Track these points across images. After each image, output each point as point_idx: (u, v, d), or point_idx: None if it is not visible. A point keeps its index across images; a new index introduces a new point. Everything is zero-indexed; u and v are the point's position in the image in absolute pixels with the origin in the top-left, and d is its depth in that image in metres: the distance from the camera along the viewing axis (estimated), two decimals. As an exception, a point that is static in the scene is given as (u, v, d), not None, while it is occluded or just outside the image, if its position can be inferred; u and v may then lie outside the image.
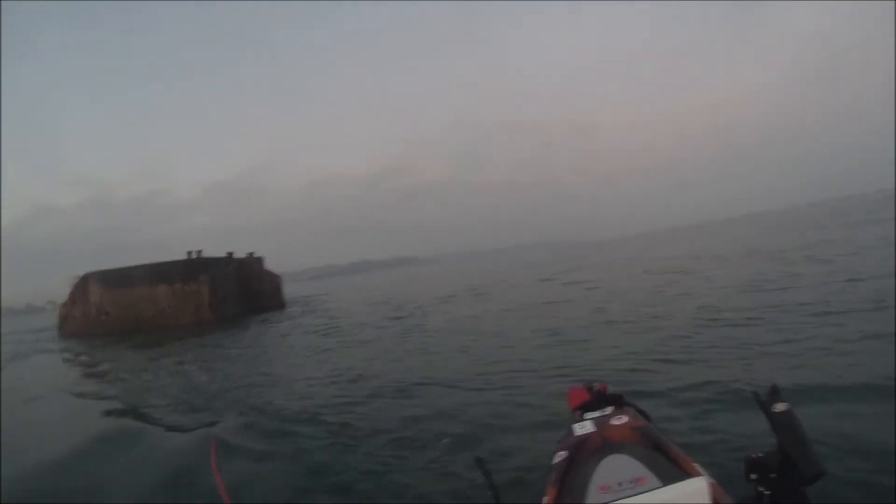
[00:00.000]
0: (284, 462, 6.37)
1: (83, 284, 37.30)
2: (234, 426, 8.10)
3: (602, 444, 1.89)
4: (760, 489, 1.34)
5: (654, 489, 1.31)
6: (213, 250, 37.84)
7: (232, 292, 36.80)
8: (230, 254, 39.85)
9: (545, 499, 1.72)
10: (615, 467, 1.62)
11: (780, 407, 1.39)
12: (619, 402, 2.37)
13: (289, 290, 48.26)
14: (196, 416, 9.31)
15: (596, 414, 2.24)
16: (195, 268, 35.76)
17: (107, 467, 7.13)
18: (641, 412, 2.30)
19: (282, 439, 7.12)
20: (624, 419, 2.06)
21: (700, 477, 1.29)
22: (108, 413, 10.64)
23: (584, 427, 2.06)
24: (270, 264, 44.70)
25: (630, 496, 1.26)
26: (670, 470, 1.56)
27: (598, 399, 2.40)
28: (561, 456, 1.91)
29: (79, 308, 36.90)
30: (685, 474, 1.51)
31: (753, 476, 1.36)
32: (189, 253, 36.51)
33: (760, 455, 1.37)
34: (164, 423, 9.09)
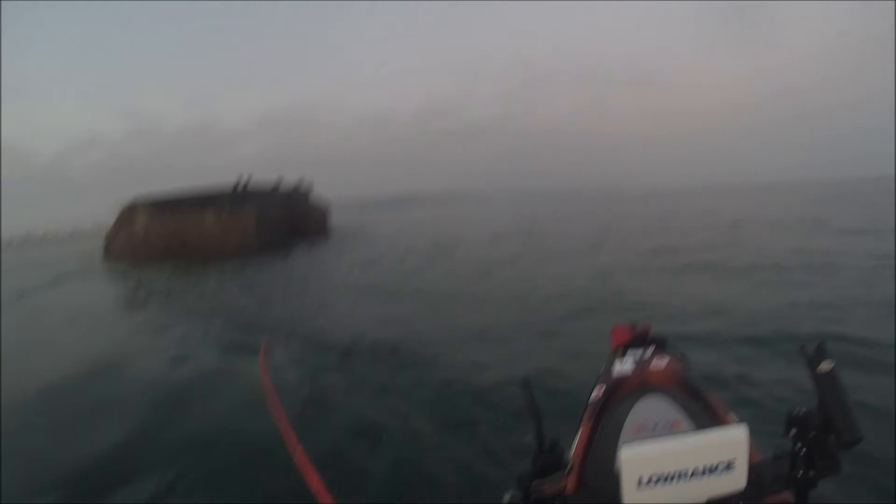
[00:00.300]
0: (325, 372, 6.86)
1: (130, 210, 37.25)
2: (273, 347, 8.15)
3: (640, 385, 1.80)
4: (797, 445, 1.27)
5: (696, 431, 1.26)
6: (264, 177, 37.39)
7: (278, 220, 36.27)
8: (278, 182, 39.44)
9: (578, 433, 1.66)
10: (651, 409, 1.57)
11: (825, 366, 1.30)
12: (661, 345, 2.16)
13: (336, 219, 48.25)
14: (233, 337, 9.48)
15: (637, 354, 2.05)
16: (242, 196, 35.37)
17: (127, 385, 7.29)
18: (682, 357, 2.07)
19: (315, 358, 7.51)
20: (664, 362, 1.93)
21: (742, 424, 1.20)
22: (138, 331, 11.08)
23: (624, 366, 1.95)
24: (320, 192, 44.04)
25: (669, 436, 1.19)
26: (706, 417, 1.54)
27: (640, 339, 2.22)
28: (598, 393, 1.82)
29: (125, 232, 36.82)
30: (720, 423, 1.49)
31: (793, 431, 1.29)
32: (237, 182, 36.20)
33: (803, 411, 1.28)
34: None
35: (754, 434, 1.32)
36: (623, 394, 1.79)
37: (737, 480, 1.16)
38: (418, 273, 15.73)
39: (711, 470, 1.15)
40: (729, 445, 1.16)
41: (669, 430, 1.43)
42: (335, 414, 5.56)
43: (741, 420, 1.45)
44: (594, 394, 1.86)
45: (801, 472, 1.26)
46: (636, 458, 1.16)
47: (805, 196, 51.23)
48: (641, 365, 1.97)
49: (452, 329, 8.92)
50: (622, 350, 2.24)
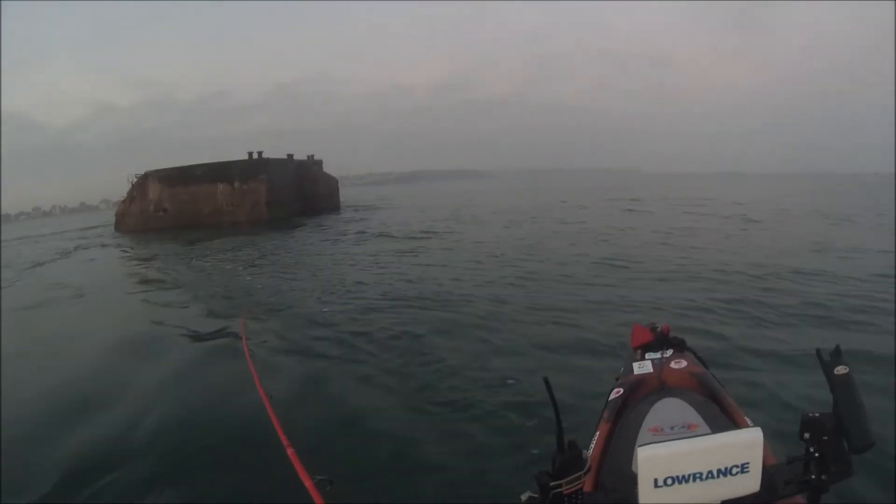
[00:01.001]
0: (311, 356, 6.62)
1: (143, 182, 37.20)
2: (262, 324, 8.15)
3: (659, 387, 1.96)
4: (811, 449, 1.27)
5: (713, 433, 1.29)
6: (274, 152, 37.28)
7: (289, 193, 36.24)
8: (290, 156, 39.32)
9: (597, 433, 1.74)
10: (669, 410, 1.65)
11: (840, 370, 1.30)
12: (680, 347, 2.30)
13: (347, 193, 48.22)
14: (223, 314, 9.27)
15: (656, 355, 2.23)
16: (254, 168, 35.21)
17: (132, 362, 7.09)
18: (700, 359, 2.27)
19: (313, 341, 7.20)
20: (683, 364, 2.09)
21: (756, 428, 1.22)
22: (148, 306, 10.92)
23: (643, 367, 2.10)
24: (330, 168, 43.64)
25: (686, 437, 1.21)
26: (722, 420, 1.60)
27: (660, 341, 2.33)
28: (617, 393, 1.95)
29: (137, 205, 36.87)
30: (736, 426, 1.57)
31: (806, 435, 1.27)
32: (250, 154, 35.98)
33: (816, 415, 1.27)
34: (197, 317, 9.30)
35: (770, 438, 1.34)
36: (641, 395, 1.89)
37: (751, 483, 1.18)
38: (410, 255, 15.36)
39: (726, 472, 1.17)
40: (744, 448, 1.18)
41: (686, 433, 1.45)
42: (323, 400, 5.37)
43: (757, 423, 1.49)
44: (613, 394, 1.96)
45: (813, 475, 1.26)
46: (653, 458, 1.18)
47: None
48: (660, 366, 2.08)
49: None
50: (641, 351, 2.34)
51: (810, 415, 1.28)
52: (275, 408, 2.83)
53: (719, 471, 1.17)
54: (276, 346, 6.99)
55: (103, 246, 27.58)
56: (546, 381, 1.54)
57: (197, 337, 7.90)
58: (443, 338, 6.91)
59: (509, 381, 5.26)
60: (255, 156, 35.92)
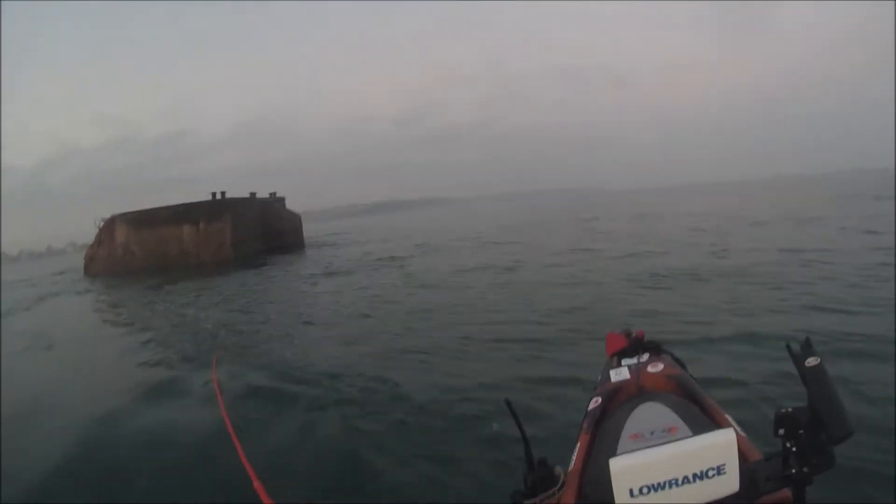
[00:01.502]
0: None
1: (110, 226, 38.12)
2: (229, 371, 8.01)
3: (637, 392, 1.92)
4: (787, 444, 1.29)
5: (685, 438, 1.28)
6: (239, 189, 38.31)
7: (253, 232, 37.27)
8: (253, 194, 40.40)
9: (577, 446, 1.72)
10: (648, 415, 1.64)
11: (811, 361, 1.33)
12: (656, 350, 2.33)
13: (313, 228, 48.70)
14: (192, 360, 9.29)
15: (633, 361, 2.23)
16: (218, 208, 36.25)
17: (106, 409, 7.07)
18: (678, 361, 2.26)
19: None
20: (660, 367, 2.06)
21: (728, 428, 1.26)
22: (135, 360, 10.55)
23: (620, 374, 2.08)
24: (294, 204, 44.97)
25: (660, 444, 1.24)
26: (702, 420, 1.59)
27: (635, 346, 2.38)
28: (596, 402, 1.92)
29: (105, 248, 37.77)
30: (717, 426, 1.52)
31: (781, 431, 1.30)
32: (213, 194, 37.08)
33: (789, 410, 1.30)
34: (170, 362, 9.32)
35: (750, 434, 1.45)
36: (620, 402, 1.87)
37: (730, 483, 1.19)
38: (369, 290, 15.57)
39: (703, 475, 1.18)
40: (718, 449, 1.19)
41: (666, 436, 1.44)
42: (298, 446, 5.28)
43: (738, 420, 1.59)
44: (592, 404, 1.92)
45: (794, 469, 1.26)
46: (625, 469, 1.20)
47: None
48: (637, 372, 2.06)
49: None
50: (617, 358, 2.34)
51: (783, 410, 1.30)
52: (251, 459, 2.75)
53: (695, 475, 1.19)
54: (243, 392, 6.87)
55: (74, 293, 28.11)
56: (508, 403, 1.65)
57: (167, 386, 7.81)
58: (411, 372, 6.97)
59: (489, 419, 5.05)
60: (219, 196, 37.06)
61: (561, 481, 1.48)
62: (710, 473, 1.18)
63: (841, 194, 39.33)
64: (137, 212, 37.88)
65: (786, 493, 1.29)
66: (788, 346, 1.37)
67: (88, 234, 39.36)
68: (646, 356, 2.25)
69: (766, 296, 9.15)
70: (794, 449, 1.26)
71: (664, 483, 1.18)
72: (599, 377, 2.22)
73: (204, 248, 34.98)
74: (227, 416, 3.19)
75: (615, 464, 1.19)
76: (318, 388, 6.69)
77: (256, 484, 1.83)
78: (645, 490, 1.18)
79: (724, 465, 1.18)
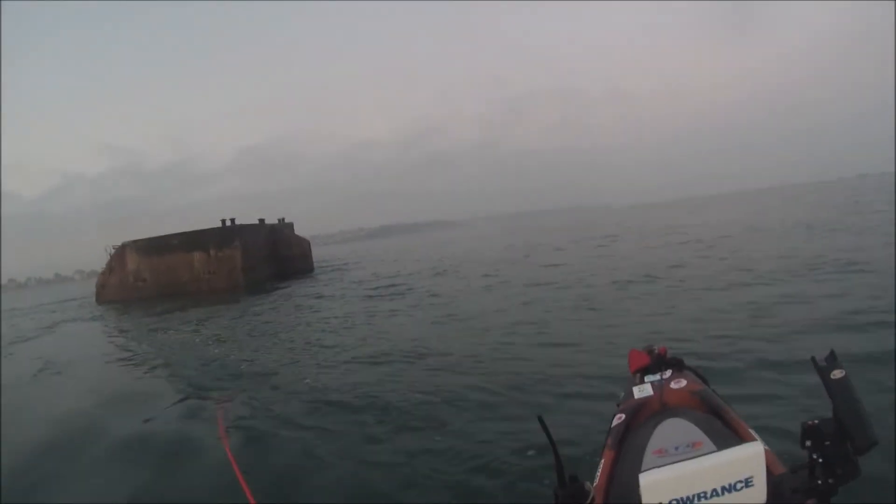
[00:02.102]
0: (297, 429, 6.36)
1: (121, 253, 38.58)
2: (241, 401, 7.98)
3: (660, 408, 1.93)
4: (814, 456, 1.29)
5: (709, 453, 1.30)
6: (245, 215, 38.99)
7: (263, 257, 37.75)
8: (262, 220, 40.94)
9: (602, 462, 1.74)
10: (672, 431, 1.63)
11: (836, 374, 1.33)
12: (678, 366, 2.34)
13: (320, 253, 48.96)
14: (207, 387, 9.34)
15: (655, 377, 2.24)
16: (228, 235, 36.67)
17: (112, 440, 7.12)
18: (700, 376, 2.28)
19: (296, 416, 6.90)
20: (683, 383, 2.07)
21: (755, 441, 1.30)
22: (135, 379, 11.05)
23: (643, 390, 2.08)
24: (302, 228, 45.56)
25: (685, 459, 1.25)
26: (727, 435, 1.59)
27: (657, 362, 2.38)
28: (619, 419, 1.93)
29: (116, 276, 38.21)
30: (741, 440, 1.53)
31: (808, 443, 1.31)
32: (223, 221, 37.53)
33: (815, 422, 1.31)
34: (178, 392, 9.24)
35: (775, 447, 1.43)
36: (644, 418, 1.87)
37: (757, 496, 1.20)
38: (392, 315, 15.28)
39: (731, 488, 1.19)
40: (746, 462, 1.20)
41: (691, 452, 1.44)
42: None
43: (763, 434, 1.59)
44: (615, 420, 1.93)
45: (820, 480, 1.27)
46: (655, 483, 1.21)
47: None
48: (660, 388, 2.06)
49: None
50: (640, 375, 2.35)
51: (809, 423, 1.31)
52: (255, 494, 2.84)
53: (723, 488, 1.19)
54: (251, 424, 6.78)
55: (89, 320, 28.38)
56: (541, 420, 1.64)
57: (175, 419, 7.68)
58: (431, 401, 6.73)
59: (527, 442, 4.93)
60: (229, 223, 37.43)
61: (591, 496, 1.50)
62: (738, 486, 1.20)
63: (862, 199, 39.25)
64: (148, 239, 38.41)
65: (810, 503, 1.30)
66: (814, 359, 1.38)
67: (95, 261, 40.09)
68: (668, 372, 2.27)
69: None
70: (820, 460, 1.28)
71: (693, 496, 1.20)
72: (622, 394, 2.24)
73: (215, 274, 35.39)
74: (237, 469, 3.26)
75: (645, 478, 1.21)
76: (333, 422, 6.47)
77: None
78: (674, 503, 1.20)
79: (751, 477, 1.20)
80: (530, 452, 4.70)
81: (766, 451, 1.44)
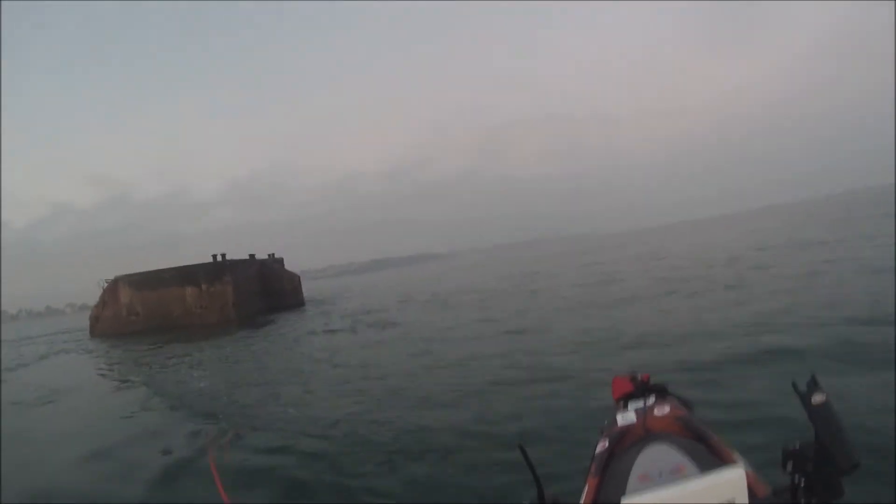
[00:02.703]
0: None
1: (113, 287, 39.40)
2: (232, 436, 8.04)
3: (644, 434, 1.93)
4: (795, 479, 1.34)
5: (692, 477, 1.31)
6: (235, 247, 39.95)
7: (254, 292, 38.73)
8: (252, 255, 42.17)
9: (585, 488, 1.73)
10: (656, 457, 1.63)
11: (818, 398, 1.36)
12: (662, 392, 2.35)
13: (311, 286, 49.42)
14: (197, 420, 9.46)
15: (639, 404, 2.25)
16: (220, 270, 37.61)
17: (107, 466, 7.58)
18: (684, 402, 2.28)
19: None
20: (666, 409, 2.07)
21: (737, 465, 1.28)
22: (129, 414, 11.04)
23: (626, 417, 2.09)
24: (292, 263, 46.80)
25: (668, 485, 1.25)
26: (711, 460, 1.59)
27: (641, 389, 2.39)
28: (603, 445, 1.93)
29: (109, 309, 38.93)
30: (725, 464, 1.52)
31: (789, 466, 1.35)
32: (214, 256, 38.60)
33: (797, 447, 1.36)
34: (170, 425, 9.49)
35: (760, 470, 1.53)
36: (627, 444, 1.87)
37: None
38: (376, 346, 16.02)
39: None
40: (727, 486, 1.21)
41: (675, 477, 1.45)
42: None
43: (747, 458, 1.66)
44: (599, 447, 1.92)
45: (803, 501, 1.30)
46: None
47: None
48: (644, 414, 2.05)
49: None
50: (624, 401, 2.34)
51: (790, 447, 1.34)
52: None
53: None
54: (244, 463, 6.77)
55: (84, 352, 29.00)
56: (521, 448, 1.73)
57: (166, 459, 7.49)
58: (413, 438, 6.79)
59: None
60: (220, 258, 38.50)
61: None
62: None
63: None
64: (141, 273, 39.24)
65: None
66: (794, 385, 1.39)
67: (86, 294, 40.84)
68: (652, 399, 2.28)
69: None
70: (802, 482, 1.30)
71: None
72: (606, 421, 2.22)
73: (208, 308, 36.19)
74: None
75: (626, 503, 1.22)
76: (318, 461, 6.51)
77: None
78: None
79: (733, 501, 1.20)
80: (505, 477, 4.89)
81: (749, 473, 1.46)
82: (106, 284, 40.03)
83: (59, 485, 7.18)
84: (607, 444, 1.91)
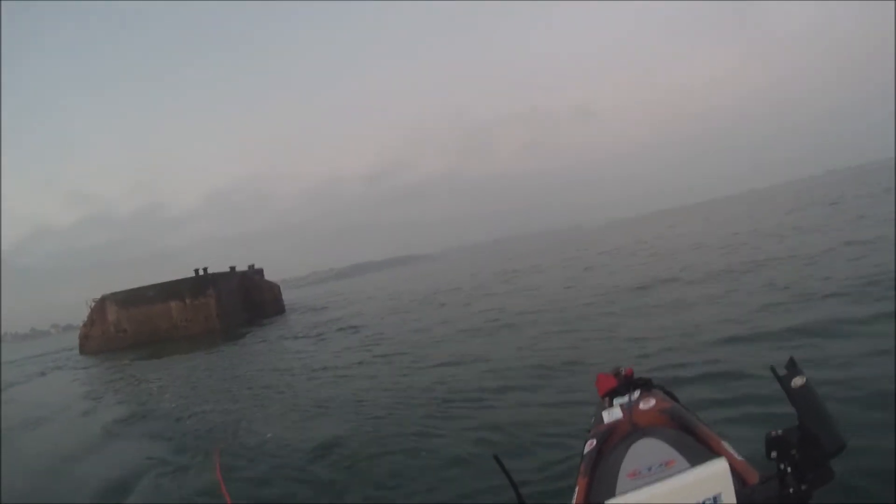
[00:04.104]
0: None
1: (101, 306, 41.06)
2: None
3: (631, 430, 1.94)
4: (782, 466, 1.30)
5: (680, 472, 1.28)
6: (216, 260, 41.58)
7: (236, 303, 40.58)
8: (233, 268, 43.93)
9: (576, 490, 1.72)
10: (645, 452, 1.64)
11: (798, 381, 1.32)
12: (646, 386, 2.37)
13: (292, 295, 50.16)
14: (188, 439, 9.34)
15: (624, 399, 2.25)
16: (202, 283, 39.38)
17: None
18: (669, 394, 2.30)
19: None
20: (652, 402, 2.07)
21: (721, 458, 1.27)
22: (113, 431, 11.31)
23: (612, 413, 2.08)
24: (272, 272, 48.68)
25: (658, 481, 1.24)
26: (699, 450, 1.61)
27: (625, 384, 2.40)
28: (591, 444, 1.93)
29: (98, 327, 40.56)
30: (714, 454, 1.54)
31: (774, 454, 1.31)
32: (196, 270, 40.33)
33: (779, 433, 1.31)
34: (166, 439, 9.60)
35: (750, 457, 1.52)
36: (615, 441, 1.90)
37: None
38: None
39: None
40: (712, 480, 1.20)
41: (664, 470, 1.45)
42: None
43: (735, 446, 1.69)
44: (587, 446, 1.95)
45: (791, 488, 1.27)
46: None
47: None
48: (629, 409, 2.10)
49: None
50: (609, 398, 2.39)
51: (773, 433, 1.30)
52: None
53: None
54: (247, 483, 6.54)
55: (80, 369, 29.86)
56: (497, 459, 1.75)
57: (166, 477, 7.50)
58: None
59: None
60: (202, 272, 40.23)
61: None
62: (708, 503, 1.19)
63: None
64: (126, 291, 40.85)
65: None
66: (773, 369, 1.36)
67: (70, 314, 41.50)
68: (637, 393, 2.27)
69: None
70: (788, 469, 1.28)
71: None
72: (593, 419, 2.23)
73: (192, 321, 37.93)
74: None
75: None
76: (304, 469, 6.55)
77: None
78: None
79: (719, 493, 1.19)
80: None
81: (739, 461, 1.54)
82: (93, 304, 41.58)
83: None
84: (595, 442, 1.92)
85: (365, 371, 12.48)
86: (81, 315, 41.86)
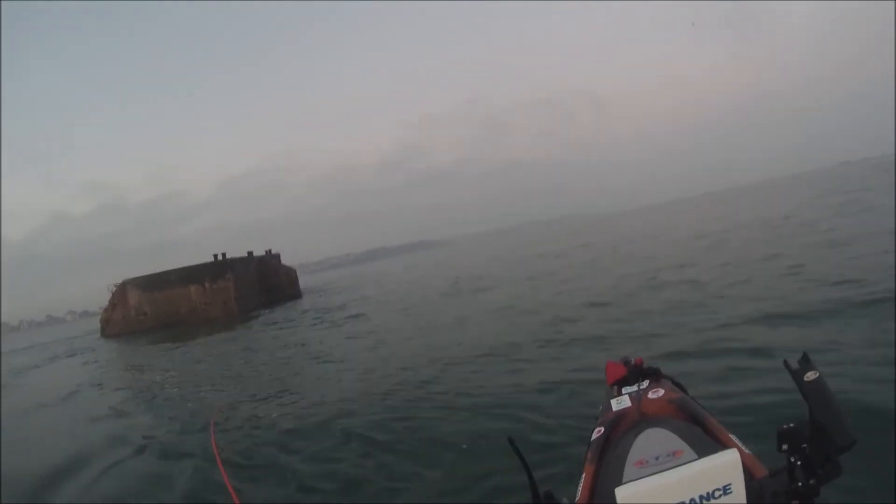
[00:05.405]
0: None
1: (122, 290, 42.07)
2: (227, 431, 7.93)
3: (639, 419, 1.93)
4: (792, 459, 1.28)
5: (689, 461, 1.28)
6: (233, 246, 41.75)
7: (254, 287, 41.46)
8: (250, 253, 44.68)
9: (583, 476, 1.71)
10: (652, 441, 1.62)
11: (810, 375, 1.32)
12: (655, 376, 2.35)
13: (308, 280, 50.82)
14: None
15: (633, 388, 2.24)
16: (221, 268, 40.21)
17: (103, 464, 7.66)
18: (678, 385, 2.29)
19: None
20: (661, 392, 2.06)
21: (732, 448, 1.26)
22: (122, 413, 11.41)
23: (621, 402, 2.07)
24: (289, 257, 49.39)
25: (665, 470, 1.23)
26: (707, 442, 1.59)
27: (634, 373, 2.38)
28: (599, 432, 1.92)
29: (119, 311, 41.61)
30: (722, 446, 1.53)
31: (785, 447, 1.29)
32: (215, 255, 41.22)
33: (791, 426, 1.29)
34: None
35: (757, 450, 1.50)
36: (623, 430, 1.87)
37: (736, 502, 1.19)
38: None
39: (709, 496, 1.18)
40: (723, 470, 1.19)
41: (672, 461, 1.43)
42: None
43: (743, 439, 1.66)
44: (595, 434, 1.92)
45: (800, 482, 1.26)
46: (632, 496, 1.19)
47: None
48: (638, 398, 2.07)
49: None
50: (618, 387, 2.35)
51: (785, 427, 1.29)
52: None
53: (702, 497, 1.18)
54: (243, 454, 6.67)
55: (104, 351, 30.80)
56: (510, 441, 1.67)
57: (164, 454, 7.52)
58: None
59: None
60: (220, 257, 41.08)
61: None
62: (717, 494, 1.19)
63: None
64: (147, 276, 41.89)
65: None
66: (786, 362, 1.37)
67: (86, 301, 42.46)
68: (646, 383, 2.26)
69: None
70: (798, 463, 1.27)
71: None
72: (601, 407, 2.22)
73: (211, 304, 38.77)
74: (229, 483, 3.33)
75: (621, 492, 1.20)
76: (321, 442, 6.55)
77: None
78: None
79: (729, 484, 1.19)
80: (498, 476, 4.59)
81: (747, 454, 1.52)
82: (114, 288, 42.63)
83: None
84: (603, 430, 1.91)
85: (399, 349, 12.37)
86: (98, 301, 43.16)
